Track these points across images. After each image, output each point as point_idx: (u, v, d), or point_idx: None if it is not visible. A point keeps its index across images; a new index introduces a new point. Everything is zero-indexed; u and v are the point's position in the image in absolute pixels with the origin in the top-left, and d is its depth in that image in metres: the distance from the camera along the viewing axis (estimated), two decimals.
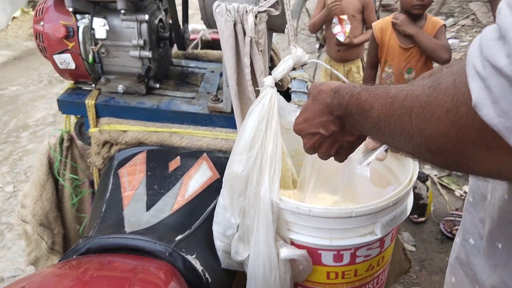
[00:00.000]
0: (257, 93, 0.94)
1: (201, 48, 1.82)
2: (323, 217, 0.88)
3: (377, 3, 3.31)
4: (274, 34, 1.23)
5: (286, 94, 1.39)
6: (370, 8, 2.68)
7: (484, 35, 0.38)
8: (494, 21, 0.38)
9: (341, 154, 0.75)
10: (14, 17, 5.89)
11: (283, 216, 0.92)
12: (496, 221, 0.55)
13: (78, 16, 1.23)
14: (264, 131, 0.89)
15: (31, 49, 5.04)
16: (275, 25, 1.06)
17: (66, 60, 1.23)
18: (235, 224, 0.97)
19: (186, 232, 1.01)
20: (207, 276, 0.96)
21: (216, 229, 1.02)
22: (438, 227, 2.30)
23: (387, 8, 3.19)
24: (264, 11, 0.96)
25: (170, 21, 1.34)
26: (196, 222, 1.05)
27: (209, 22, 1.10)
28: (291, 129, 0.80)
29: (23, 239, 1.47)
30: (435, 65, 2.25)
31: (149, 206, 1.07)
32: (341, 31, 2.56)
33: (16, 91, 4.04)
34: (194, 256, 0.96)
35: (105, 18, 1.23)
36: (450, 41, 2.82)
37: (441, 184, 2.62)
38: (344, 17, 2.54)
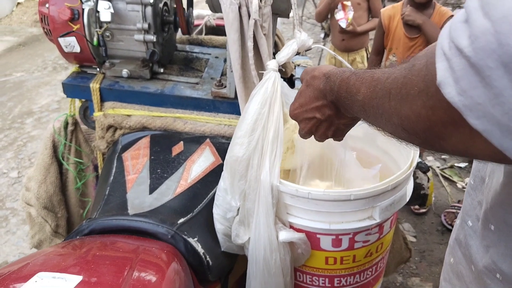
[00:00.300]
0: (261, 77, 0.94)
1: (206, 34, 1.82)
2: (322, 200, 0.88)
3: None
4: (278, 22, 1.23)
5: (290, 81, 1.39)
6: None
7: (454, 18, 0.40)
8: None
9: (338, 135, 0.78)
10: (18, 3, 5.88)
11: (283, 199, 0.93)
12: (489, 203, 0.57)
13: None
14: (266, 114, 0.90)
15: (36, 35, 5.05)
16: (280, 9, 1.06)
17: (71, 44, 1.23)
18: (235, 207, 0.98)
19: (189, 216, 1.02)
20: (208, 259, 0.97)
21: (217, 212, 1.02)
22: (439, 218, 2.30)
23: None
24: None
25: (175, 5, 1.34)
26: (199, 206, 1.06)
27: (214, 5, 1.10)
28: None
29: (27, 224, 1.49)
30: None
31: (152, 190, 1.08)
32: (343, 17, 2.54)
33: (21, 77, 4.06)
34: (195, 239, 0.97)
35: (110, 0, 1.23)
36: None
37: (443, 176, 2.62)
38: (348, 3, 2.52)
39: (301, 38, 0.93)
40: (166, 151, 1.20)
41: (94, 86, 1.29)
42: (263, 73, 0.93)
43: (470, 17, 0.37)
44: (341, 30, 2.61)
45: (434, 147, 0.47)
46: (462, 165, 2.70)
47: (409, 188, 1.03)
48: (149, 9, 1.24)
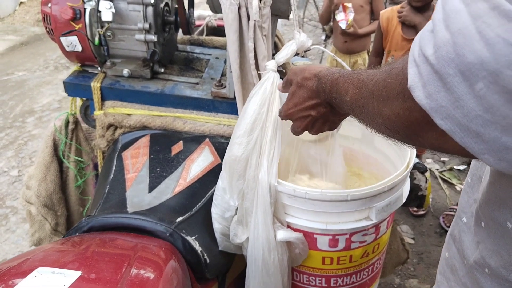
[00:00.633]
0: (260, 77, 0.95)
1: (207, 35, 1.84)
2: (319, 200, 0.89)
3: None
4: (279, 24, 1.24)
5: None
6: None
7: (425, 27, 0.44)
8: None
9: (333, 128, 0.83)
10: (21, 2, 5.90)
11: (281, 199, 0.94)
12: (479, 200, 0.59)
13: None
14: (265, 114, 0.91)
15: (38, 35, 5.07)
16: (280, 10, 1.07)
17: (73, 43, 1.25)
18: (233, 207, 0.99)
19: (187, 214, 1.03)
20: (205, 257, 0.98)
21: (215, 211, 1.03)
22: (437, 220, 2.31)
23: (395, 1, 3.18)
24: None
25: (176, 6, 1.35)
26: (197, 205, 1.07)
27: (214, 6, 1.11)
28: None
29: (27, 222, 1.50)
30: None
31: (151, 188, 1.08)
32: (344, 18, 2.55)
33: (23, 76, 4.07)
34: (194, 237, 0.98)
35: (111, 0, 1.24)
36: None
37: (442, 179, 2.63)
38: (349, 4, 2.53)
39: (300, 39, 0.94)
40: (165, 150, 1.21)
41: (95, 85, 1.30)
42: (261, 73, 0.94)
43: (435, 28, 0.41)
44: (342, 32, 2.62)
45: (414, 143, 0.52)
46: (461, 167, 2.71)
47: (406, 189, 1.04)
48: (150, 9, 1.26)
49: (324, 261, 1.01)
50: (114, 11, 1.22)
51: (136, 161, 1.18)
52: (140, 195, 1.06)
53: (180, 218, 1.00)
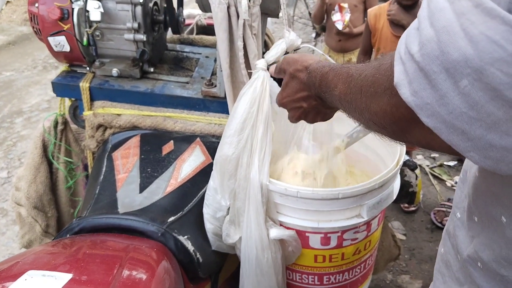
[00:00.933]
0: (250, 76, 0.95)
1: (196, 34, 1.83)
2: (310, 198, 0.90)
3: None
4: (269, 21, 1.24)
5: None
6: None
7: (411, 25, 0.44)
8: None
9: (326, 119, 0.83)
10: (8, 1, 5.82)
11: (272, 198, 0.94)
12: (471, 196, 0.60)
13: None
14: (255, 113, 0.91)
15: (26, 34, 5.01)
16: (269, 9, 1.07)
17: (60, 43, 1.23)
18: (225, 206, 0.98)
19: (179, 214, 1.02)
20: (198, 256, 0.97)
21: (207, 211, 1.03)
22: (428, 216, 2.33)
23: None
24: None
25: (165, 5, 1.34)
26: (189, 205, 1.07)
27: (204, 5, 1.11)
28: (280, 113, 0.83)
29: (17, 224, 1.48)
30: None
31: (142, 189, 1.08)
32: (340, 19, 2.56)
33: (11, 77, 4.02)
34: (186, 237, 0.98)
35: (99, 0, 1.23)
36: None
37: (432, 175, 2.65)
38: (345, 5, 2.54)
39: (290, 37, 0.94)
40: (156, 150, 1.20)
41: (84, 85, 1.29)
42: (251, 72, 0.94)
43: (420, 25, 0.41)
44: (337, 32, 2.63)
45: (401, 139, 0.53)
46: (452, 163, 2.73)
47: (396, 185, 1.05)
48: (139, 9, 1.25)
49: (317, 259, 1.02)
50: (102, 11, 1.21)
51: (127, 162, 1.17)
52: (131, 195, 1.06)
53: (171, 218, 1.00)
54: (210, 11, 1.04)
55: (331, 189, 0.92)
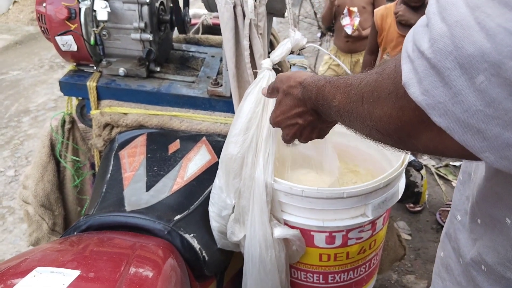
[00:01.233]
0: (256, 75, 0.95)
1: (202, 33, 1.83)
2: (316, 197, 0.90)
3: None
4: (275, 21, 1.24)
5: None
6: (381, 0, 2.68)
7: (417, 23, 0.42)
8: None
9: (322, 136, 0.81)
10: (15, 1, 5.87)
11: (277, 197, 0.94)
12: (475, 198, 0.58)
13: None
14: (260, 113, 0.91)
15: (32, 34, 5.04)
16: (275, 8, 1.07)
17: (68, 42, 1.24)
18: (230, 205, 0.99)
19: (185, 213, 1.03)
20: (204, 254, 0.98)
21: (212, 209, 1.04)
22: (434, 217, 2.32)
23: None
24: None
25: (171, 4, 1.35)
26: (195, 203, 1.08)
27: (210, 4, 1.11)
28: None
29: (24, 222, 1.50)
30: None
31: (149, 187, 1.09)
32: (349, 23, 2.54)
33: (17, 76, 4.05)
34: (192, 235, 0.98)
35: (106, 0, 1.24)
36: None
37: (438, 175, 2.64)
38: (354, 9, 2.53)
39: (295, 37, 0.94)
40: (162, 149, 1.21)
41: (91, 84, 1.30)
42: (257, 72, 0.95)
43: (430, 22, 0.39)
44: (346, 34, 2.61)
45: (407, 147, 0.50)
46: (457, 163, 2.72)
47: (401, 185, 1.05)
48: (145, 8, 1.26)
49: (321, 258, 1.02)
50: (109, 10, 1.22)
51: (133, 160, 1.18)
52: (137, 194, 1.07)
53: (178, 216, 1.00)
54: (216, 11, 1.05)
55: (336, 188, 0.92)
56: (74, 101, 1.40)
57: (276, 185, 0.92)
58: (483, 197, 0.56)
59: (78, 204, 1.52)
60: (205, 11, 1.82)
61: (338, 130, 0.84)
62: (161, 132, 1.28)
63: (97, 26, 1.25)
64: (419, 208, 2.36)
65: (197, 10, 1.98)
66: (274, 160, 0.92)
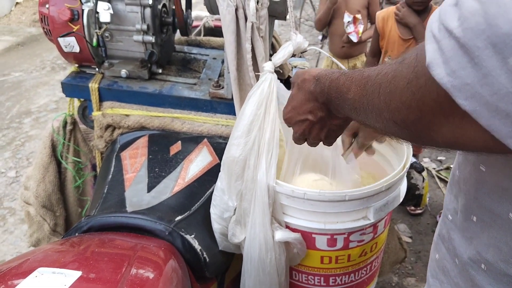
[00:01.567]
0: (258, 78, 0.96)
1: (204, 35, 1.84)
2: (317, 200, 0.90)
3: None
4: (276, 24, 1.25)
5: (287, 82, 1.41)
6: (375, 3, 2.67)
7: (444, 3, 0.41)
8: None
9: (331, 138, 0.78)
10: (17, 3, 5.89)
11: (279, 199, 0.94)
12: (472, 194, 0.57)
13: None
14: (262, 115, 0.91)
15: (34, 35, 5.06)
16: (277, 11, 1.08)
17: (70, 44, 1.25)
18: (232, 207, 0.99)
19: (186, 214, 1.03)
20: (205, 255, 0.98)
21: (214, 211, 1.04)
22: (434, 219, 2.32)
23: (391, 1, 3.19)
24: None
25: (173, 7, 1.36)
26: (196, 204, 1.08)
27: (212, 7, 1.12)
28: None
29: (25, 223, 1.50)
30: None
31: (150, 188, 1.09)
32: (354, 30, 2.53)
33: (19, 77, 4.06)
34: (193, 236, 0.98)
35: (109, 1, 1.24)
36: None
37: (439, 177, 2.64)
38: (358, 16, 2.52)
39: (297, 40, 0.94)
40: (164, 150, 1.21)
41: (93, 86, 1.30)
42: (259, 74, 0.95)
43: (459, 0, 0.38)
44: (347, 40, 2.60)
45: (424, 140, 0.47)
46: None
47: (403, 188, 1.05)
48: (148, 11, 1.26)
49: (323, 261, 1.02)
50: (112, 12, 1.23)
51: (135, 161, 1.18)
52: (139, 195, 1.07)
53: (179, 217, 1.01)
54: (218, 13, 1.05)
55: (338, 191, 0.92)
56: (76, 102, 1.40)
57: (278, 188, 0.92)
58: (482, 193, 0.54)
59: (79, 205, 1.52)
60: (207, 14, 1.82)
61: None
62: (163, 133, 1.29)
63: (100, 28, 1.26)
64: (420, 211, 2.35)
65: (199, 13, 1.99)
66: (285, 164, 0.91)
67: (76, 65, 1.39)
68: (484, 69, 0.36)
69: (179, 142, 1.24)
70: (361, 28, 2.53)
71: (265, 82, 0.92)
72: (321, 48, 3.28)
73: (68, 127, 1.41)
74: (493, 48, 0.35)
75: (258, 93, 0.92)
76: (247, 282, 1.02)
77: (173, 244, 0.94)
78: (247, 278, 1.02)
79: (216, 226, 1.05)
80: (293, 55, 0.97)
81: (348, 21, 2.54)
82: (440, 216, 2.33)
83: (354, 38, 2.55)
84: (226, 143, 0.99)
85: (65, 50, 1.27)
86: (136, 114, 1.30)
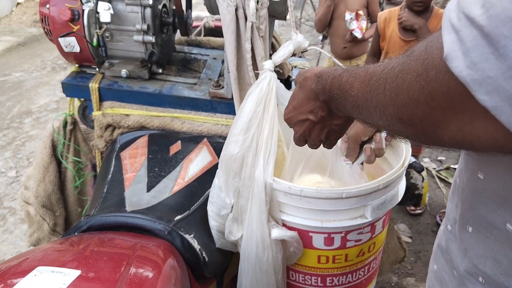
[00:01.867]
0: (257, 77, 0.96)
1: (204, 36, 1.85)
2: (314, 197, 0.90)
3: None
4: (276, 24, 1.25)
5: (287, 82, 1.41)
6: (375, 2, 2.67)
7: None
8: None
9: (331, 139, 0.76)
10: (18, 3, 5.90)
11: (276, 197, 0.94)
12: (468, 203, 0.55)
13: None
14: (261, 113, 0.91)
15: (35, 36, 5.07)
16: (277, 11, 1.08)
17: (71, 44, 1.25)
18: (229, 204, 0.99)
19: (185, 213, 1.03)
20: (204, 255, 0.98)
21: (211, 209, 1.04)
22: (434, 219, 2.32)
23: (391, 1, 3.19)
24: None
25: (174, 7, 1.36)
26: (195, 204, 1.08)
27: (212, 7, 1.12)
28: None
29: (25, 223, 1.50)
30: None
31: (149, 188, 1.09)
32: (357, 27, 2.52)
33: (20, 77, 4.07)
34: (192, 235, 0.99)
35: (109, 2, 1.25)
36: None
37: (439, 177, 2.64)
38: (361, 12, 2.52)
39: (297, 39, 0.94)
40: (164, 150, 1.22)
41: (93, 85, 1.30)
42: (258, 73, 0.95)
43: None
44: (351, 39, 2.59)
45: (429, 138, 0.45)
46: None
47: (401, 187, 1.05)
48: (148, 11, 1.26)
49: (320, 260, 1.02)
50: (112, 12, 1.23)
51: (135, 161, 1.19)
52: (138, 194, 1.07)
53: (178, 217, 1.01)
54: (218, 13, 1.05)
55: (335, 188, 0.92)
56: (76, 102, 1.40)
57: (275, 185, 0.92)
58: (481, 202, 0.52)
59: (79, 204, 1.52)
60: (207, 14, 1.83)
61: None
62: (163, 133, 1.29)
63: (100, 28, 1.26)
64: (419, 211, 2.36)
65: (199, 13, 2.00)
66: (286, 164, 0.91)
67: (77, 65, 1.39)
68: (510, 61, 0.33)
69: (179, 141, 1.24)
70: (364, 23, 2.51)
71: (264, 80, 0.92)
72: (322, 48, 3.28)
73: (69, 127, 1.41)
74: None
75: (257, 91, 0.92)
76: (244, 281, 1.02)
77: (172, 243, 0.94)
78: (244, 276, 1.02)
79: (213, 223, 1.05)
80: (294, 55, 0.97)
81: (351, 18, 2.52)
82: (440, 216, 2.34)
83: (359, 34, 2.52)
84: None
85: (66, 50, 1.28)
86: (136, 114, 1.30)
